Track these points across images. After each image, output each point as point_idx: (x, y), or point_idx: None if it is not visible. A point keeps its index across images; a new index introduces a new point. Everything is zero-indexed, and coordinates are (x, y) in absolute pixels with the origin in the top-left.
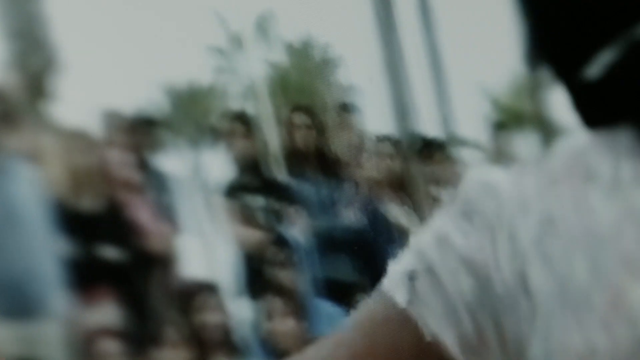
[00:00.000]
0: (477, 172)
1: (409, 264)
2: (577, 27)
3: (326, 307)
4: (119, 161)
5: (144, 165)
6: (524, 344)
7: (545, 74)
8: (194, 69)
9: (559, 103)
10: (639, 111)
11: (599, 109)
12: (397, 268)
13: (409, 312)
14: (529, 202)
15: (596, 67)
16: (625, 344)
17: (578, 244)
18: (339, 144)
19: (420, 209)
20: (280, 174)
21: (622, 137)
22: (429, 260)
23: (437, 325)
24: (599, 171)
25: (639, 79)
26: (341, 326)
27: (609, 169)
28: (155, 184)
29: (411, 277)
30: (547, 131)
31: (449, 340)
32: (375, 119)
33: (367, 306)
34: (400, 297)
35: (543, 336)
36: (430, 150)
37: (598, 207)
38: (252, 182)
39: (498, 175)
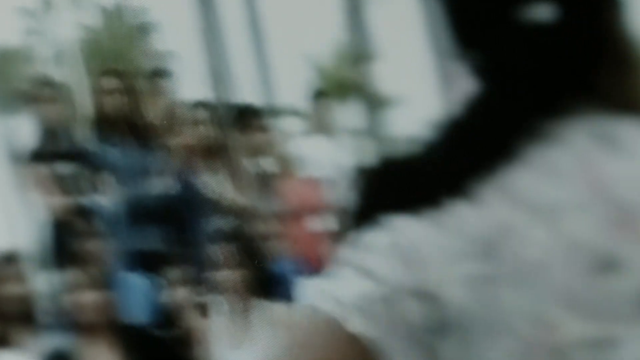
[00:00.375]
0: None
1: (361, 288)
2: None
3: (133, 279)
4: None
5: None
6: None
7: (369, 45)
8: (2, 31)
9: (382, 74)
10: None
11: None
12: (344, 290)
13: (363, 337)
14: (452, 221)
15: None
16: None
17: (507, 271)
18: (152, 111)
19: (236, 178)
20: (89, 140)
21: (556, 151)
22: (382, 285)
23: (391, 350)
24: (530, 195)
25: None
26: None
27: (541, 192)
28: None
29: (365, 303)
30: (371, 102)
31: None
32: (192, 85)
33: (310, 327)
34: (354, 322)
35: (461, 350)
36: (246, 118)
37: (526, 234)
38: (59, 148)
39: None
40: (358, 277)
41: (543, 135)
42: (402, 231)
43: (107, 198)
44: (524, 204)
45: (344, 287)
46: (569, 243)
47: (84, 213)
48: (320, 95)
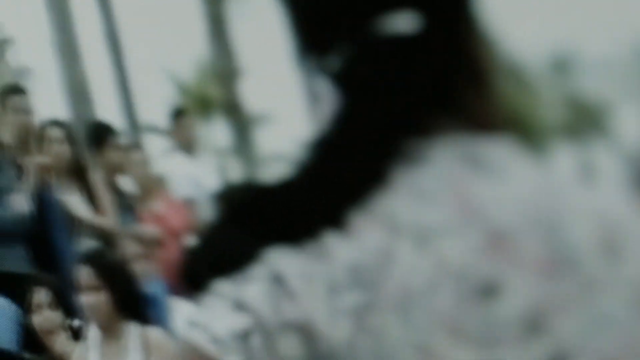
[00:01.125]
0: None
1: (236, 322)
2: (321, 19)
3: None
4: None
5: None
6: None
7: (234, 61)
8: None
9: (249, 91)
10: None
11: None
12: (218, 323)
13: None
14: (326, 251)
15: (335, 60)
16: None
17: (391, 300)
18: (6, 128)
19: (94, 196)
20: None
21: (425, 172)
22: (259, 318)
23: None
24: (403, 221)
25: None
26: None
27: (411, 218)
28: None
29: (244, 337)
30: (237, 119)
31: None
32: (48, 102)
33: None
34: (229, 358)
35: None
36: (103, 136)
37: (409, 261)
38: None
39: None
40: (232, 310)
41: (409, 156)
42: (276, 262)
43: None
44: (398, 229)
45: (217, 319)
46: (447, 268)
47: None
48: (180, 112)
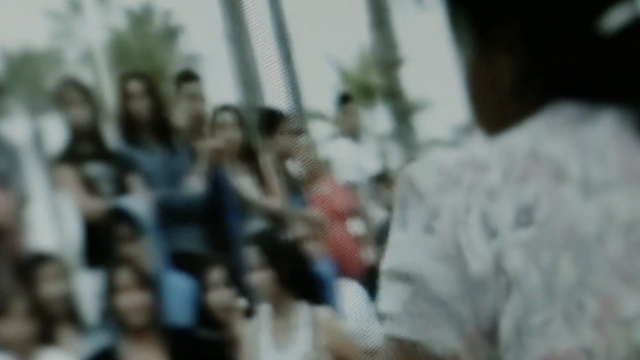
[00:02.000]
0: (427, 161)
1: (400, 294)
2: None
3: (174, 280)
4: None
5: None
6: (496, 320)
7: (396, 49)
8: (31, 33)
9: (409, 78)
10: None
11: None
12: (391, 303)
13: (417, 341)
14: (497, 190)
15: (611, 23)
16: (620, 348)
17: (561, 241)
18: (180, 113)
19: (264, 179)
20: (118, 142)
21: (592, 131)
22: (416, 276)
23: (445, 338)
24: (569, 171)
25: None
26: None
27: (578, 169)
28: None
29: (407, 304)
30: (398, 105)
31: (460, 346)
32: (219, 89)
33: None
34: (404, 330)
35: (516, 314)
36: (274, 121)
37: (576, 208)
38: (89, 150)
39: (451, 161)
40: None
41: (584, 113)
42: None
43: (139, 199)
44: (564, 177)
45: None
46: (615, 220)
47: (122, 214)
48: (346, 99)
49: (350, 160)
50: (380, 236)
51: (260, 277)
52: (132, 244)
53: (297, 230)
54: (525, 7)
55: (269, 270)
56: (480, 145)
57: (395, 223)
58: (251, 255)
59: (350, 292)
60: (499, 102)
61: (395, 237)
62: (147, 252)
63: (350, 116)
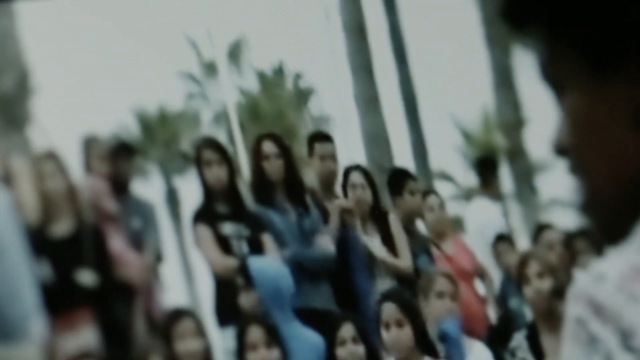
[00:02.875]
0: (593, 274)
1: None
2: None
3: (307, 335)
4: (96, 188)
5: (122, 193)
6: None
7: (520, 109)
8: (166, 95)
9: (533, 139)
10: None
11: None
12: None
13: None
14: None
15: None
16: None
17: None
18: (312, 173)
19: (392, 238)
20: (250, 202)
21: None
22: None
23: None
24: None
25: None
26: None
27: None
28: (134, 212)
29: None
30: (521, 165)
31: None
32: (348, 149)
33: None
34: None
35: None
36: (401, 181)
37: None
38: (223, 209)
39: (618, 273)
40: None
41: None
42: None
43: (271, 258)
44: None
45: None
46: None
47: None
48: (488, 162)
49: (485, 220)
50: (501, 297)
51: (395, 333)
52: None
53: (438, 287)
54: None
55: (404, 326)
56: (636, 249)
57: (575, 342)
58: (387, 311)
59: (477, 352)
60: (619, 136)
61: (576, 355)
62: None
63: (495, 182)
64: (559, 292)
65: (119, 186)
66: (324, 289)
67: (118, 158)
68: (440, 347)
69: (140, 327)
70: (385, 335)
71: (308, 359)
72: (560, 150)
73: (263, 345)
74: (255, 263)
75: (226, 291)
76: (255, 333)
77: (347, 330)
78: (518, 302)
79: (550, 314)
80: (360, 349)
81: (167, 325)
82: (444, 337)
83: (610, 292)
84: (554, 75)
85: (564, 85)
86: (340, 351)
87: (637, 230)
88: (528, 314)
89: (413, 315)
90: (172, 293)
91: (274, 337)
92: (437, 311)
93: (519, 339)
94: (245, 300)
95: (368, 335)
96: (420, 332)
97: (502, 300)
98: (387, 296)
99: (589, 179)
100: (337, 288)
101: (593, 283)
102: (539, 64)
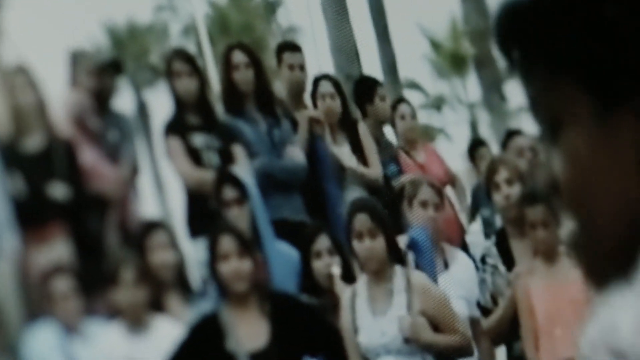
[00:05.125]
0: (605, 328)
1: None
2: None
3: (280, 247)
4: (80, 103)
5: (103, 108)
6: None
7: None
8: (135, 8)
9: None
10: None
11: None
12: None
13: None
14: None
15: None
16: None
17: None
18: (281, 83)
19: (361, 148)
20: (220, 113)
21: None
22: None
23: None
24: None
25: None
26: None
27: None
28: (111, 125)
29: None
30: (491, 75)
31: None
32: (317, 59)
33: None
34: None
35: None
36: (370, 90)
37: None
38: (194, 120)
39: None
40: None
41: None
42: None
43: (242, 169)
44: None
45: None
46: None
47: (229, 182)
48: (442, 71)
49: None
50: (473, 205)
51: (368, 244)
52: (237, 209)
53: (422, 196)
54: None
55: (376, 236)
56: None
57: None
58: (359, 221)
59: (460, 261)
60: (626, 179)
61: None
62: (251, 219)
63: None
64: (527, 199)
65: (101, 102)
66: (295, 199)
67: (105, 74)
68: (409, 256)
69: (113, 239)
70: (358, 245)
71: (284, 270)
72: (555, 187)
73: (235, 256)
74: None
75: (198, 202)
76: (227, 243)
77: (322, 242)
78: (490, 211)
79: (519, 220)
80: (335, 261)
81: (140, 237)
82: (413, 246)
83: (629, 339)
84: (549, 109)
85: (561, 121)
86: (317, 264)
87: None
88: (498, 222)
89: (384, 225)
90: (144, 205)
91: (247, 247)
92: (420, 220)
93: (488, 246)
94: (236, 214)
95: (341, 246)
96: (391, 242)
97: (474, 208)
98: (358, 206)
99: (589, 220)
100: (307, 198)
101: (608, 333)
102: (531, 95)
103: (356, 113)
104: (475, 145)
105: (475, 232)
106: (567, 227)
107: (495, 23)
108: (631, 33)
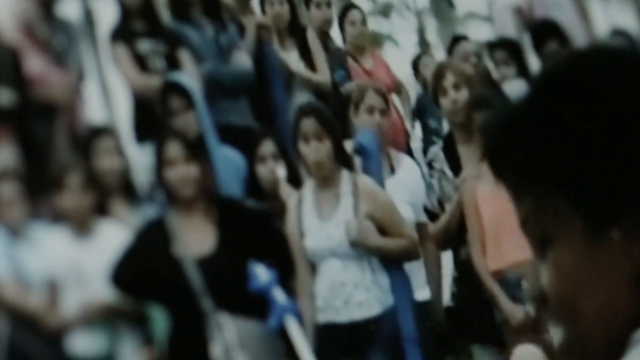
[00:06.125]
0: None
1: None
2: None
3: (226, 153)
4: (27, 10)
5: (49, 14)
6: None
7: None
8: None
9: None
10: None
11: None
12: None
13: None
14: None
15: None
16: None
17: None
18: None
19: (309, 53)
20: (166, 18)
21: None
22: None
23: None
24: None
25: None
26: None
27: None
28: (58, 32)
29: None
30: None
31: None
32: None
33: None
34: None
35: None
36: None
37: None
38: (140, 26)
39: None
40: None
41: None
42: None
43: (188, 74)
44: None
45: None
46: None
47: (174, 88)
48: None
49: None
50: (417, 112)
51: (315, 147)
52: (183, 116)
53: (368, 101)
54: None
55: (323, 140)
56: None
57: None
58: (306, 125)
59: (406, 165)
60: (615, 294)
61: None
62: (197, 124)
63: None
64: (475, 103)
65: (48, 9)
66: (241, 105)
67: None
68: (356, 160)
69: (61, 144)
70: (304, 149)
71: (229, 175)
72: (542, 299)
73: (181, 161)
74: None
75: (145, 108)
76: (173, 149)
77: (267, 147)
78: (433, 115)
79: (467, 125)
80: (278, 165)
81: (86, 142)
82: (360, 150)
83: None
84: (540, 226)
85: (551, 237)
86: (261, 168)
87: None
88: (444, 125)
89: (331, 129)
90: (90, 112)
91: (193, 152)
92: (366, 125)
93: (434, 151)
94: (182, 119)
95: (287, 151)
96: (338, 146)
97: (417, 115)
98: (305, 110)
99: (578, 330)
100: (254, 104)
101: None
102: (522, 212)
103: (304, 18)
104: (420, 56)
105: (419, 139)
106: (556, 337)
107: (485, 141)
108: (622, 156)
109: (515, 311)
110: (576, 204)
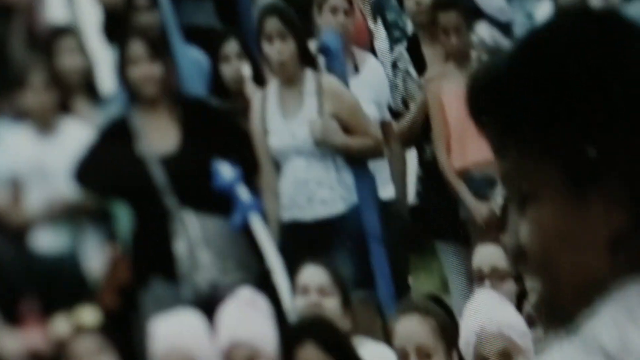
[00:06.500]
0: None
1: None
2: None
3: (190, 52)
4: None
5: None
6: None
7: None
8: None
9: None
10: None
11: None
12: None
13: None
14: None
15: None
16: None
17: None
18: None
19: None
20: None
21: None
22: None
23: None
24: None
25: None
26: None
27: None
28: None
29: None
30: None
31: None
32: None
33: None
34: None
35: None
36: None
37: None
38: None
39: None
40: None
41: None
42: None
43: None
44: None
45: None
46: None
47: None
48: None
49: None
50: (375, 8)
51: (281, 46)
52: (147, 15)
53: (333, 1)
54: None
55: (287, 39)
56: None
57: None
58: (270, 25)
59: (369, 64)
60: (592, 255)
61: None
62: (161, 23)
63: None
64: (439, 4)
65: None
66: (205, 5)
67: None
68: (320, 60)
69: (20, 44)
70: (268, 48)
71: (193, 74)
72: (520, 254)
73: (145, 60)
74: None
75: (109, 7)
76: (136, 48)
77: (231, 46)
78: (395, 14)
79: (431, 25)
80: (242, 64)
81: (48, 41)
82: (324, 50)
83: None
84: (521, 182)
85: (532, 194)
86: (225, 67)
87: (583, 327)
88: (408, 26)
89: (295, 29)
90: (52, 11)
91: (157, 51)
92: (330, 25)
93: (399, 51)
94: (146, 18)
95: (251, 52)
96: (302, 46)
97: (376, 11)
98: (269, 10)
99: (552, 285)
100: (218, 4)
101: None
102: (504, 167)
103: None
104: None
105: (383, 38)
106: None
107: (467, 97)
108: (602, 114)
109: (480, 208)
110: (556, 161)
